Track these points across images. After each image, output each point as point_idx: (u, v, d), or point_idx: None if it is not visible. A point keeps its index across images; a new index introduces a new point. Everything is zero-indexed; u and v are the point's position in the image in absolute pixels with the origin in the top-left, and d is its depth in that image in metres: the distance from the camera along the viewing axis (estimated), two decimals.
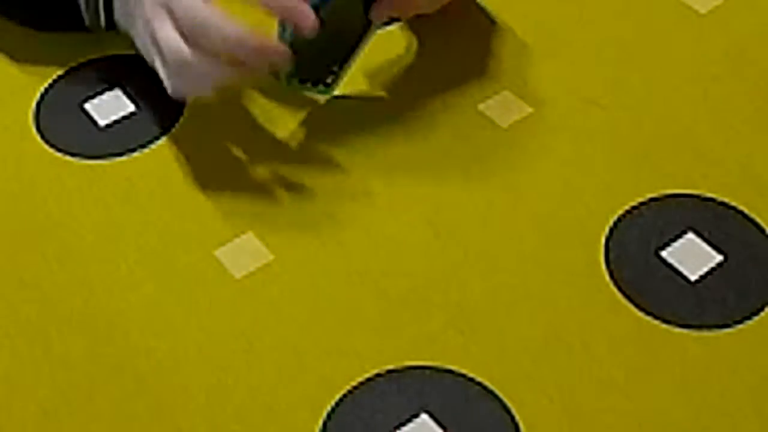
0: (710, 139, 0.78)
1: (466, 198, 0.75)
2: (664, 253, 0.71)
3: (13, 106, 0.83)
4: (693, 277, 0.70)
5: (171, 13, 0.70)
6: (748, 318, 0.68)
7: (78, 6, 0.81)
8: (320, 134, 0.80)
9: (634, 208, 0.74)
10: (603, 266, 0.71)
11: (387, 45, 0.86)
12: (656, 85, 0.82)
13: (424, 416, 0.64)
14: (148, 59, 0.75)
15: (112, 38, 0.87)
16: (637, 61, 0.84)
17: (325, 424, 0.64)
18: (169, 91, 0.73)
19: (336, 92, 0.82)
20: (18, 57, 0.86)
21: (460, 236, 0.73)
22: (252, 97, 0.82)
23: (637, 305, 0.69)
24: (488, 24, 0.87)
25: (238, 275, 0.71)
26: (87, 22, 0.82)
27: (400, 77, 0.84)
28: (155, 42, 0.72)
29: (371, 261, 0.72)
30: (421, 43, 0.86)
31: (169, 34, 0.70)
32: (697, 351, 0.66)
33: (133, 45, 0.81)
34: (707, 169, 0.76)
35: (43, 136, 0.81)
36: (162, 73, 0.73)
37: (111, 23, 0.81)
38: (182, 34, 0.70)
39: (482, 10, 0.89)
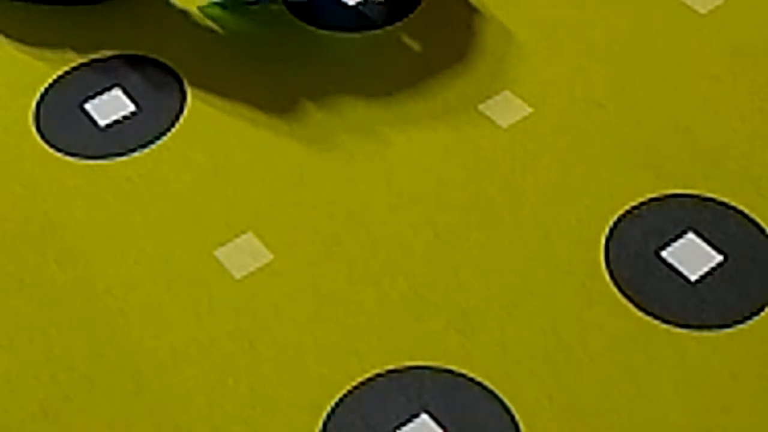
0: (710, 139, 0.78)
1: (466, 198, 0.75)
2: (664, 253, 0.71)
3: (13, 106, 0.83)
4: (693, 277, 0.70)
5: None
6: (748, 318, 0.68)
7: None
8: (320, 134, 0.80)
9: (634, 208, 0.74)
10: (603, 266, 0.71)
11: (386, 45, 0.86)
12: (656, 85, 0.82)
13: (424, 416, 0.64)
14: None
15: (112, 38, 0.87)
16: (637, 61, 0.84)
17: (325, 424, 0.64)
18: None
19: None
20: (18, 57, 0.86)
21: (460, 236, 0.73)
22: (252, 97, 0.82)
23: (637, 305, 0.69)
24: (488, 24, 0.87)
25: (238, 275, 0.71)
26: None
27: (400, 77, 0.84)
28: None
29: (371, 261, 0.72)
30: (421, 43, 0.86)
31: None
32: (697, 351, 0.66)
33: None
34: (707, 169, 0.76)
35: (43, 136, 0.81)
36: None
37: None
38: None
39: (481, 9, 0.89)
